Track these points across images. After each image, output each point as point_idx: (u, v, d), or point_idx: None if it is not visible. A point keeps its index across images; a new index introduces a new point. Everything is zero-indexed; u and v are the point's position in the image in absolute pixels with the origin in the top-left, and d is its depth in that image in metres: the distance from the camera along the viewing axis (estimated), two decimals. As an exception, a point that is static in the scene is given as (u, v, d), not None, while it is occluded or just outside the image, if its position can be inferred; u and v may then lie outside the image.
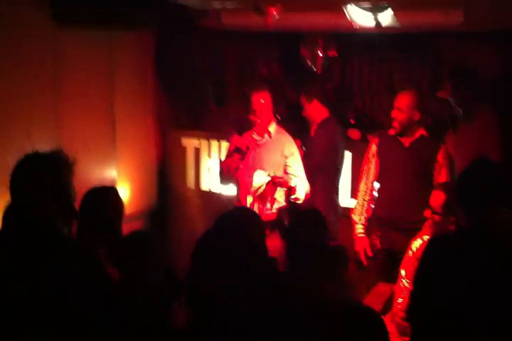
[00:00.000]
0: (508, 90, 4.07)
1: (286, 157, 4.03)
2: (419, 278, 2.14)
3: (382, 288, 3.40)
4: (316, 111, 4.45)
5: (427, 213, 3.08)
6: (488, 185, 2.09)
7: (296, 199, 3.99)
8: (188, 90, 5.08)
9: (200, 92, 5.15)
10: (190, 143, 5.14)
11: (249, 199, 3.98)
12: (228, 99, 5.22)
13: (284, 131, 4.13)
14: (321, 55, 4.69)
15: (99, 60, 4.41)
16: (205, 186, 5.15)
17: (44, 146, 2.49)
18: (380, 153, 3.90)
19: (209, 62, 5.17)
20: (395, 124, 3.79)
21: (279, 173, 3.98)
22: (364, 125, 4.60)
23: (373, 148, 3.94)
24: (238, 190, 4.17)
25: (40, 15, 3.78)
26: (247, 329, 2.17)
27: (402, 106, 3.76)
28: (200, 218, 5.02)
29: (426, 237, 3.06)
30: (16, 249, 2.05)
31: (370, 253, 3.89)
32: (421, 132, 3.85)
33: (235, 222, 2.61)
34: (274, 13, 4.31)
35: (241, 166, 4.05)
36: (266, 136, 4.05)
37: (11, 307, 1.97)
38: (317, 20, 4.38)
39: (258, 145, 4.05)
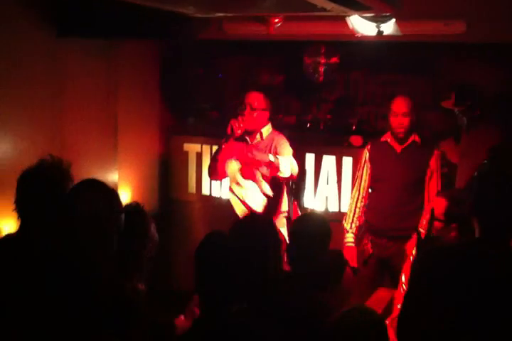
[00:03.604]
0: (508, 101, 4.10)
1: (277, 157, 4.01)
2: (411, 291, 2.10)
3: (382, 293, 3.40)
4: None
5: (427, 219, 3.10)
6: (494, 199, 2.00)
7: (282, 177, 3.93)
8: (191, 98, 5.11)
9: (202, 100, 5.18)
10: (192, 148, 5.16)
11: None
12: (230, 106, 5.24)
13: (278, 133, 4.13)
14: (322, 63, 4.72)
15: (103, 68, 4.45)
16: (206, 191, 5.16)
17: (47, 151, 2.53)
18: (372, 159, 3.92)
19: (212, 71, 5.20)
20: (401, 129, 3.81)
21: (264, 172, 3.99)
22: (366, 132, 4.62)
23: (366, 154, 3.96)
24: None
25: (42, 27, 3.81)
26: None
27: (406, 110, 3.78)
28: (201, 222, 5.03)
29: (426, 244, 3.07)
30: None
31: (355, 264, 3.85)
32: (413, 138, 3.87)
33: (252, 229, 2.65)
34: (276, 21, 4.35)
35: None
36: (258, 137, 4.07)
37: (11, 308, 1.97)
38: (319, 29, 4.42)
39: (249, 146, 4.06)
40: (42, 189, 2.45)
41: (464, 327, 1.93)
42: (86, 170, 3.78)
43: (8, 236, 2.54)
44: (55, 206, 2.44)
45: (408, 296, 2.08)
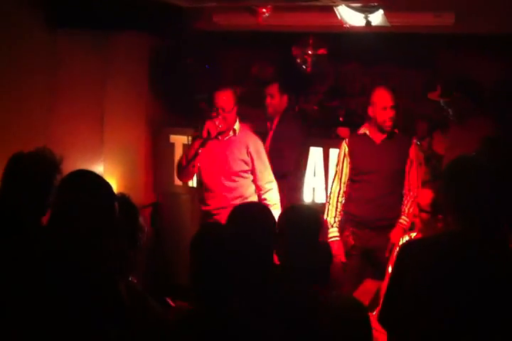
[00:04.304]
0: (499, 92, 4.11)
1: (251, 155, 4.01)
2: (392, 283, 2.11)
3: (368, 285, 3.41)
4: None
5: (415, 211, 3.10)
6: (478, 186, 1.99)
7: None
8: (180, 90, 5.08)
9: (191, 92, 5.16)
10: (178, 139, 5.14)
11: None
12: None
13: (248, 129, 4.12)
14: (310, 53, 4.71)
15: (93, 61, 4.44)
16: (192, 182, 5.14)
17: (35, 142, 2.52)
18: (351, 153, 3.89)
19: (202, 62, 5.17)
20: (391, 123, 3.78)
21: (244, 169, 3.99)
22: (354, 123, 4.61)
23: (344, 148, 3.92)
24: (203, 190, 4.14)
25: (37, 20, 3.79)
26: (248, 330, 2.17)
27: (393, 102, 3.77)
28: (187, 214, 5.02)
29: (413, 234, 3.09)
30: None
31: (343, 259, 3.84)
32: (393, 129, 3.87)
33: (250, 216, 2.64)
34: (264, 11, 4.33)
35: (204, 164, 4.03)
36: (231, 133, 4.05)
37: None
38: (309, 20, 4.41)
39: (222, 142, 4.05)
40: (31, 178, 2.45)
41: (443, 316, 1.94)
42: (72, 161, 3.75)
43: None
44: (44, 197, 2.45)
45: (389, 285, 2.10)
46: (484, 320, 1.89)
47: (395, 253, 3.08)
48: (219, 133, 3.98)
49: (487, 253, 1.94)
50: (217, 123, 3.89)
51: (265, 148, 4.20)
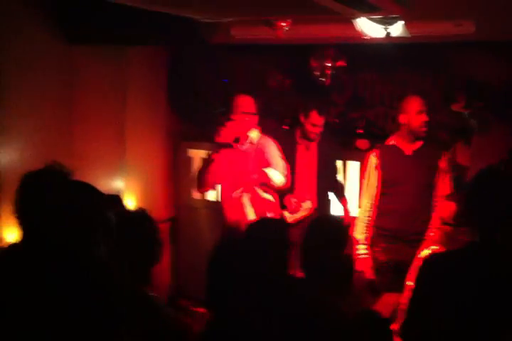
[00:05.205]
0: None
1: (268, 159, 4.03)
2: (416, 297, 2.08)
3: (389, 298, 3.36)
4: None
5: (437, 223, 3.06)
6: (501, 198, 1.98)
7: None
8: (198, 103, 5.10)
9: (209, 105, 5.17)
10: (196, 153, 5.14)
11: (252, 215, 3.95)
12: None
13: (266, 137, 4.13)
14: (329, 66, 4.70)
15: (112, 75, 4.46)
16: (211, 196, 5.14)
17: (55, 159, 2.51)
18: (382, 165, 3.84)
19: (219, 75, 5.19)
20: (425, 128, 3.74)
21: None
22: (373, 135, 4.58)
23: (373, 160, 3.87)
24: (224, 203, 4.16)
25: (53, 34, 3.83)
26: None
27: (425, 107, 3.74)
28: (207, 228, 5.02)
29: (434, 247, 3.03)
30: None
31: (372, 276, 3.80)
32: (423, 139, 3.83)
33: (266, 231, 2.64)
34: (284, 25, 4.33)
35: (224, 176, 4.05)
36: (247, 141, 4.03)
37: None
38: (327, 31, 4.40)
39: (240, 153, 4.03)
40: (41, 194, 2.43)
41: (464, 329, 1.91)
42: (93, 177, 3.77)
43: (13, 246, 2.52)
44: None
45: (413, 299, 2.07)
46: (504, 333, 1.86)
47: (413, 267, 3.04)
48: (235, 140, 3.96)
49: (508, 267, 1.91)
50: (230, 126, 3.87)
51: (310, 168, 4.24)
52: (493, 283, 1.89)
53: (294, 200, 4.18)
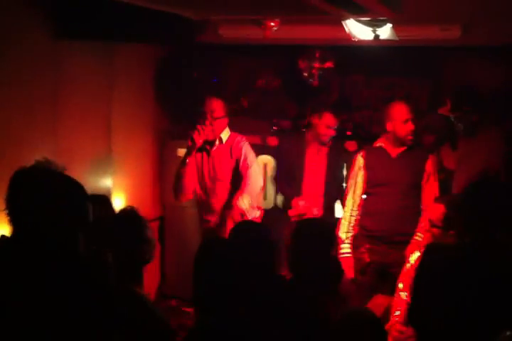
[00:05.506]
0: (508, 104, 4.11)
1: (238, 158, 4.02)
2: (418, 284, 2.12)
3: (379, 300, 3.39)
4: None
5: (426, 226, 3.09)
6: (494, 205, 2.04)
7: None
8: (186, 102, 5.09)
9: (197, 104, 5.16)
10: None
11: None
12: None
13: (238, 135, 4.13)
14: (317, 67, 4.71)
15: (99, 72, 4.42)
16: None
17: (41, 154, 2.48)
18: (367, 166, 3.88)
19: (208, 74, 5.18)
20: (412, 136, 3.76)
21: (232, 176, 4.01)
22: (361, 137, 4.62)
23: (360, 160, 3.90)
24: (201, 207, 4.18)
25: (40, 28, 3.78)
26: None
27: (412, 115, 3.75)
28: (195, 228, 5.00)
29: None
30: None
31: (352, 275, 3.81)
32: None
33: (250, 234, 2.66)
34: (273, 25, 4.33)
35: (195, 178, 4.06)
36: (217, 142, 4.05)
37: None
38: (316, 33, 4.41)
39: (209, 155, 4.06)
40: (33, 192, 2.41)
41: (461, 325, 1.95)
42: (80, 175, 3.74)
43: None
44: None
45: (415, 286, 2.11)
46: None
47: (406, 269, 3.07)
48: (206, 143, 3.97)
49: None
50: (203, 130, 3.88)
51: (319, 172, 4.26)
52: (492, 282, 1.92)
53: (301, 203, 4.16)
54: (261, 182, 4.11)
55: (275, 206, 4.89)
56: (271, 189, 4.88)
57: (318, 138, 4.32)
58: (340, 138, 4.59)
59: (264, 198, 4.94)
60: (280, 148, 4.62)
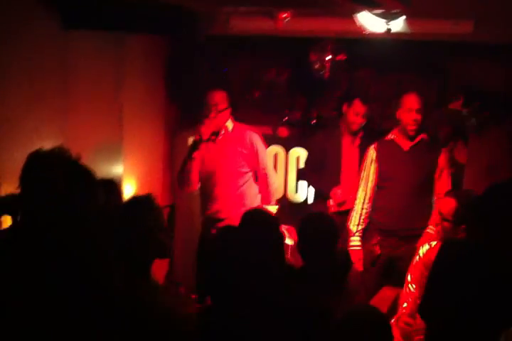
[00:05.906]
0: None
1: (247, 148, 4.06)
2: (433, 278, 2.13)
3: (387, 292, 3.40)
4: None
5: (436, 219, 3.09)
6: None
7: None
8: (196, 93, 5.09)
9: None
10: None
11: None
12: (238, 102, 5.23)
13: (246, 127, 4.16)
14: (328, 60, 4.71)
15: (110, 61, 4.43)
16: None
17: (52, 144, 2.49)
18: (379, 159, 3.88)
19: (218, 65, 5.17)
20: (415, 126, 3.77)
21: (240, 166, 4.07)
22: (370, 130, 4.61)
23: (372, 153, 3.91)
24: (204, 194, 4.20)
25: (50, 23, 3.78)
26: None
27: (420, 106, 3.75)
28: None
29: (433, 243, 3.06)
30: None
31: (361, 268, 3.81)
32: (422, 136, 3.86)
33: (257, 222, 2.67)
34: (285, 17, 4.33)
35: (201, 169, 4.09)
36: (222, 131, 4.08)
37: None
38: (327, 25, 4.41)
39: (215, 143, 4.08)
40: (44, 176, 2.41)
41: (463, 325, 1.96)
42: (91, 163, 3.75)
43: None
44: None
45: (429, 279, 2.12)
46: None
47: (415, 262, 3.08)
48: (212, 134, 3.99)
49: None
50: (210, 123, 3.93)
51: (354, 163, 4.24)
52: (494, 284, 1.93)
53: (339, 191, 4.15)
54: (276, 182, 4.22)
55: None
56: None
57: (349, 127, 4.27)
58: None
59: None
60: (313, 141, 4.54)
